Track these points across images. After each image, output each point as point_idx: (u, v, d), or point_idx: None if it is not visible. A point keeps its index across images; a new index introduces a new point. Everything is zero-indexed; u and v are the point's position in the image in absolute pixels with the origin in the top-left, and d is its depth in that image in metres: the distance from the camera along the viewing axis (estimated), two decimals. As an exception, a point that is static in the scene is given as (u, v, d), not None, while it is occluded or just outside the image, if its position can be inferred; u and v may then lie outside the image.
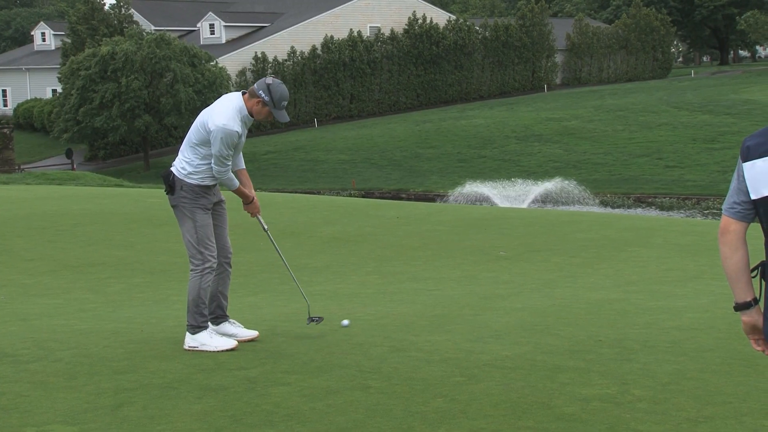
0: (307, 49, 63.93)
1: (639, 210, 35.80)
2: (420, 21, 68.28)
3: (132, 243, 13.37)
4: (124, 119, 51.04)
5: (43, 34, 74.79)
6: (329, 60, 64.05)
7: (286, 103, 6.78)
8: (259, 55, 62.22)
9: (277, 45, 63.66)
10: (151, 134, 53.19)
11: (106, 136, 52.65)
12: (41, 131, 62.55)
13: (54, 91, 63.87)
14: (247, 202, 7.14)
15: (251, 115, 6.76)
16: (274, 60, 62.46)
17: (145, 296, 9.89)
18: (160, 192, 23.01)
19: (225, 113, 6.65)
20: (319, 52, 64.18)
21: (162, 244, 13.24)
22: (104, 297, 9.84)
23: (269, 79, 6.71)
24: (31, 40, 78.99)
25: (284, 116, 6.77)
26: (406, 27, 67.99)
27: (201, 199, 6.83)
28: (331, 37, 64.53)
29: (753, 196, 3.36)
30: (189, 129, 6.89)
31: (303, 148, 53.52)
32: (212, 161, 6.71)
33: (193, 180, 6.79)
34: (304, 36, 64.70)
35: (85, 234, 13.87)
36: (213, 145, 6.64)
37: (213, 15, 67.28)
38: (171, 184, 6.81)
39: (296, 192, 37.45)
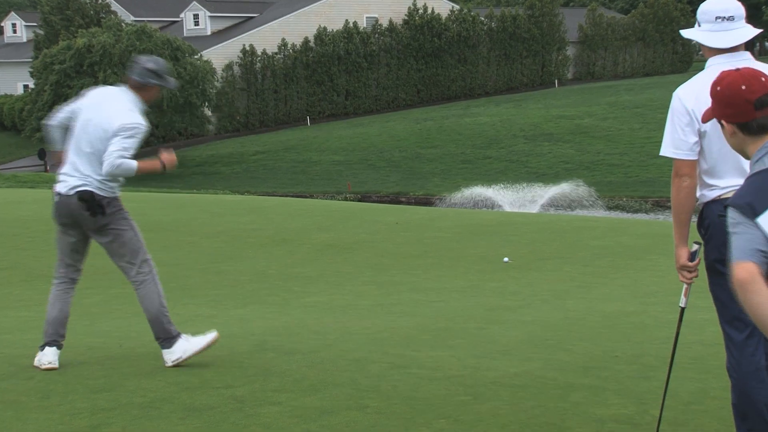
0: (298, 42, 63.98)
1: (658, 215, 35.82)
2: (420, 11, 68.35)
3: (110, 251, 13.33)
4: (101, 117, 51.12)
5: (13, 25, 74.79)
6: (323, 53, 64.07)
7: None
8: (247, 48, 62.26)
9: (266, 37, 63.70)
10: (130, 133, 53.27)
11: (81, 135, 52.72)
12: (12, 130, 62.53)
13: (26, 86, 63.79)
14: (160, 168, 6.80)
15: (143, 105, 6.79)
16: (263, 53, 62.51)
17: (124, 308, 9.88)
18: (141, 196, 22.99)
19: (133, 111, 6.60)
20: (311, 44, 64.19)
21: (142, 252, 13.22)
22: (80, 309, 9.81)
23: (149, 63, 6.69)
24: (0, 31, 78.96)
25: (173, 82, 6.86)
26: (406, 17, 68.04)
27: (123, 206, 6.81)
28: (325, 28, 64.56)
29: None
30: (87, 139, 6.60)
31: (294, 148, 53.54)
32: (112, 156, 6.47)
33: (116, 192, 6.73)
34: (295, 27, 64.75)
35: (59, 241, 13.84)
36: (125, 141, 6.49)
37: (197, 5, 67.32)
38: (99, 204, 6.61)
39: (287, 196, 37.46)
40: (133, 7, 68.66)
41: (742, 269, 3.44)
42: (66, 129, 6.84)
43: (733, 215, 3.54)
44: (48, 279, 11.47)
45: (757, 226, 3.48)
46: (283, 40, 63.55)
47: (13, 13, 77.72)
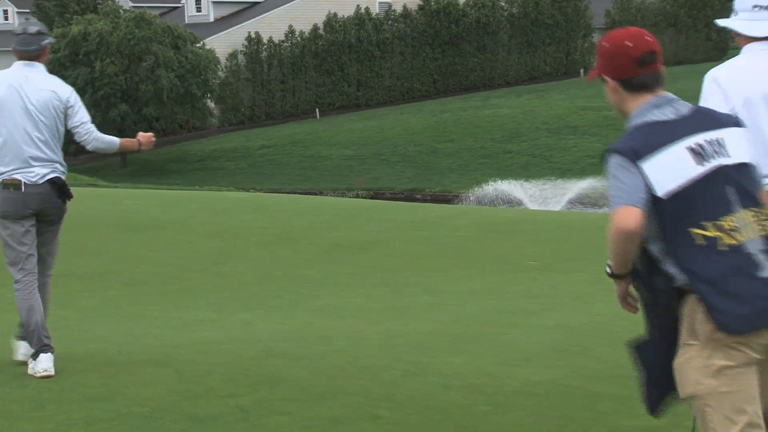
0: (307, 29, 63.99)
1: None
2: (437, -5, 68.33)
3: (107, 251, 13.40)
4: (97, 109, 51.15)
5: (5, 11, 75.04)
6: (333, 41, 64.06)
7: None
8: (253, 36, 62.30)
9: (273, 24, 63.73)
10: (127, 126, 53.28)
11: (76, 128, 52.75)
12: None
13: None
14: (138, 147, 7.16)
15: None
16: (269, 41, 62.54)
17: (122, 311, 9.91)
18: (138, 192, 23.07)
19: (59, 80, 7.05)
20: (321, 31, 64.20)
21: (140, 251, 13.28)
22: (75, 312, 9.87)
23: (33, 27, 7.12)
24: (-9, 18, 79.23)
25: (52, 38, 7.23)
26: (421, 3, 67.99)
27: None
28: (335, 14, 64.57)
29: (660, 193, 3.75)
30: (43, 128, 6.83)
31: (302, 142, 53.59)
32: (86, 128, 6.90)
33: None
34: (303, 13, 64.75)
35: (54, 241, 13.90)
36: (81, 110, 6.91)
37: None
38: (68, 190, 6.89)
39: (295, 192, 37.50)
40: (131, -8, 68.79)
41: (632, 216, 3.70)
42: None
43: (616, 159, 3.81)
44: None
45: (640, 171, 3.77)
46: (291, 27, 63.57)
47: (4, -1, 77.92)
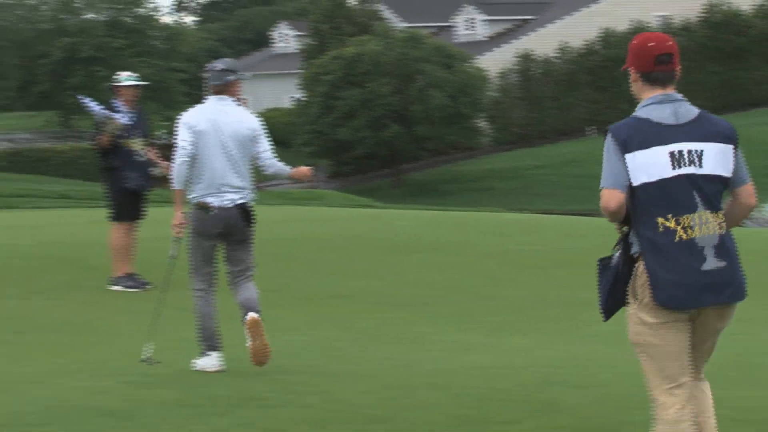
0: (580, 45, 63.48)
1: None
2: (723, 6, 66.21)
3: (383, 272, 13.66)
4: (371, 129, 52.43)
5: (283, 35, 78.34)
6: (608, 56, 63.21)
7: None
8: (525, 53, 62.33)
9: (545, 40, 63.57)
10: (399, 146, 54.34)
11: (350, 148, 54.18)
12: (281, 144, 65.33)
13: (295, 99, 66.44)
14: (303, 177, 8.27)
15: None
16: (541, 58, 62.41)
17: (398, 334, 10.08)
18: (411, 214, 23.49)
19: (247, 111, 7.96)
20: (595, 47, 63.52)
21: (415, 274, 13.46)
22: (353, 334, 10.13)
23: (219, 65, 7.81)
24: (269, 42, 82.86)
25: (247, 75, 8.20)
26: (704, 14, 66.09)
27: None
28: (610, 29, 63.73)
29: (634, 183, 4.60)
30: (238, 152, 7.72)
31: (576, 161, 53.13)
32: (271, 155, 7.87)
33: None
34: (576, 29, 64.27)
35: (330, 262, 14.33)
36: (265, 139, 7.87)
37: (471, 8, 68.13)
38: (251, 214, 7.78)
39: (568, 214, 37.22)
40: (403, 12, 70.30)
41: (615, 199, 4.61)
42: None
43: (611, 142, 4.70)
44: (317, 302, 11.91)
45: (624, 160, 4.62)
46: (564, 43, 63.24)
47: (282, 23, 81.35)
